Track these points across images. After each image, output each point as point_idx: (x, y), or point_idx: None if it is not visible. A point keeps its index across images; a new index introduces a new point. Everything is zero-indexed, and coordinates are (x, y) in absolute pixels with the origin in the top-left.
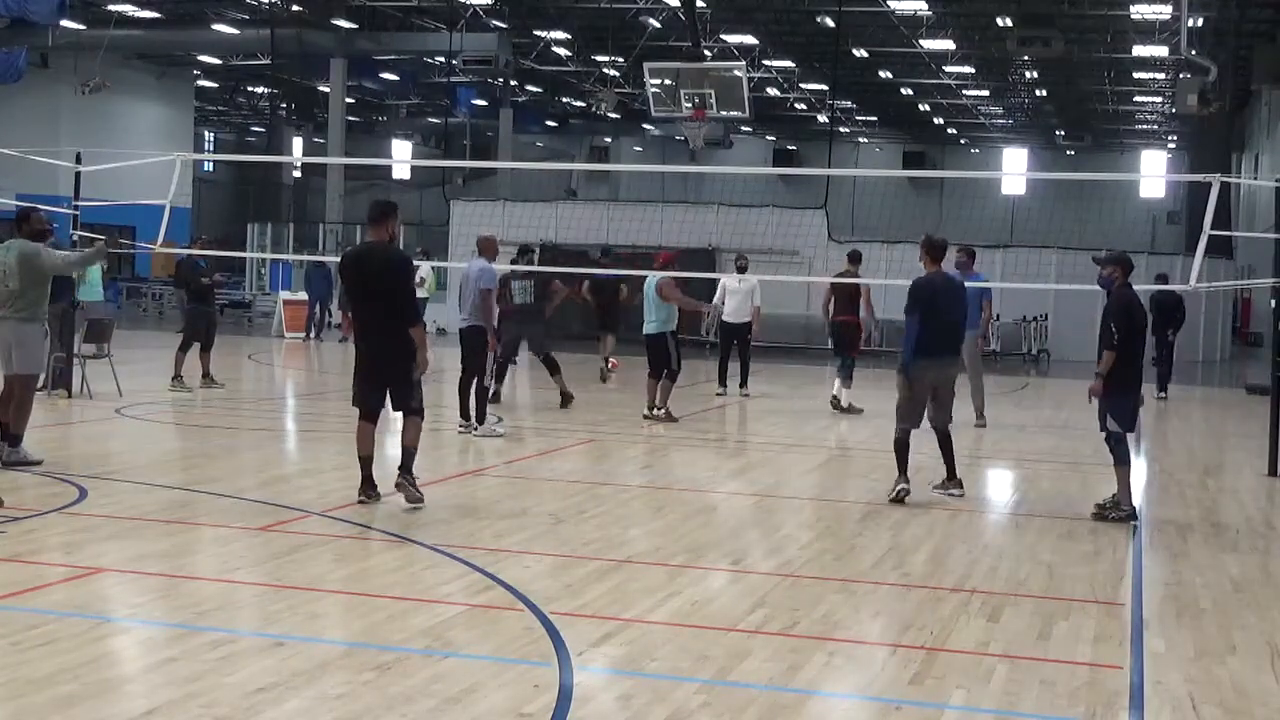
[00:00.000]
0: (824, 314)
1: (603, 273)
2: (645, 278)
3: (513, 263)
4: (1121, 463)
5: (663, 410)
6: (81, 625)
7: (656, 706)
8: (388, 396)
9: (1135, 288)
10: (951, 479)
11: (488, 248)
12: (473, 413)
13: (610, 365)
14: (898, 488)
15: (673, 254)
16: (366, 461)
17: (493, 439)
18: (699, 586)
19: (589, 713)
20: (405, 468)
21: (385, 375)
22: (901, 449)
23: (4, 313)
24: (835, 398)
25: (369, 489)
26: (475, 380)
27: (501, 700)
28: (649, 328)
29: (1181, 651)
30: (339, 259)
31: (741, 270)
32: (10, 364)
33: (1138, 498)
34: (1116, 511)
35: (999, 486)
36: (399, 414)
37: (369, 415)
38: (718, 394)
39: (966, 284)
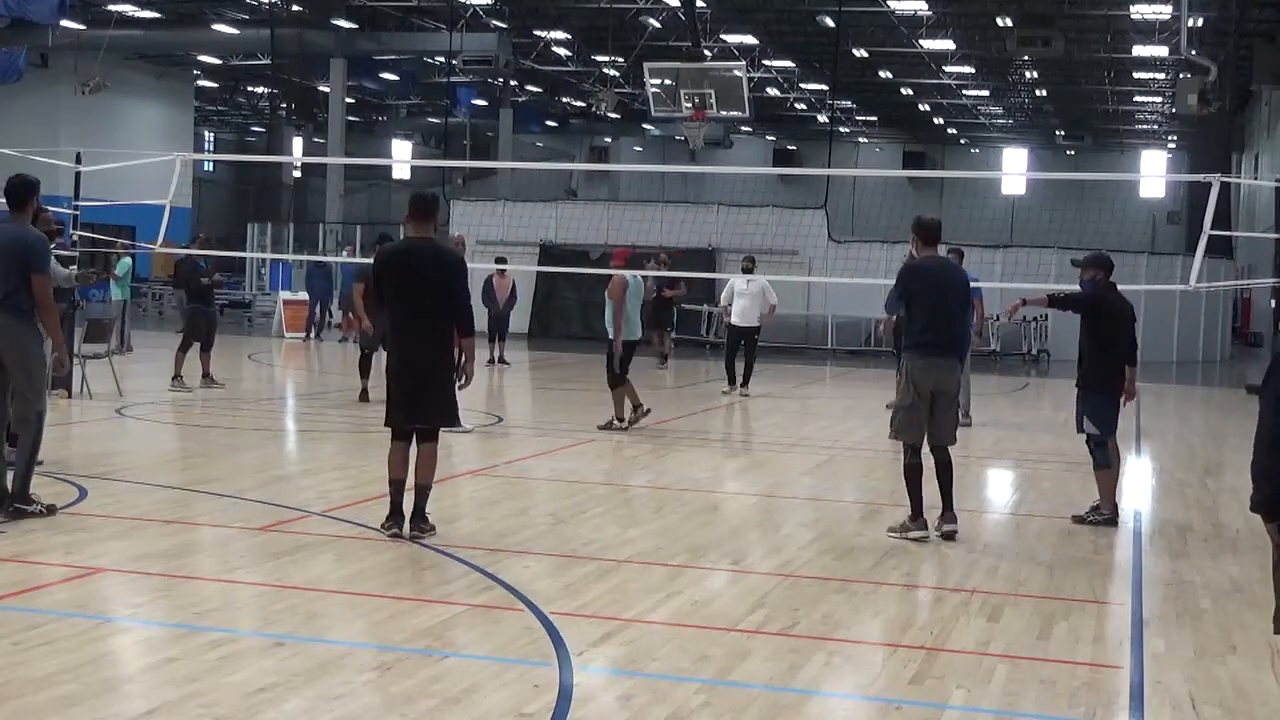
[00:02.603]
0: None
1: (658, 274)
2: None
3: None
4: (1101, 466)
5: (632, 415)
6: (81, 625)
7: (656, 706)
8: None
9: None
10: (947, 512)
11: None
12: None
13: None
14: (911, 534)
15: (628, 249)
16: (398, 486)
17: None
18: (699, 586)
19: (589, 713)
20: (419, 512)
21: (418, 383)
22: (912, 476)
23: None
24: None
25: (396, 519)
26: None
27: (501, 700)
28: (635, 332)
29: (1181, 651)
30: (375, 254)
31: (748, 271)
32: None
33: (1139, 498)
34: (1095, 515)
35: (999, 486)
36: (415, 433)
37: (404, 435)
38: (724, 393)
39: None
